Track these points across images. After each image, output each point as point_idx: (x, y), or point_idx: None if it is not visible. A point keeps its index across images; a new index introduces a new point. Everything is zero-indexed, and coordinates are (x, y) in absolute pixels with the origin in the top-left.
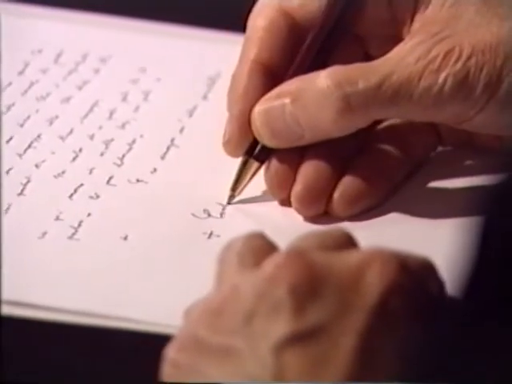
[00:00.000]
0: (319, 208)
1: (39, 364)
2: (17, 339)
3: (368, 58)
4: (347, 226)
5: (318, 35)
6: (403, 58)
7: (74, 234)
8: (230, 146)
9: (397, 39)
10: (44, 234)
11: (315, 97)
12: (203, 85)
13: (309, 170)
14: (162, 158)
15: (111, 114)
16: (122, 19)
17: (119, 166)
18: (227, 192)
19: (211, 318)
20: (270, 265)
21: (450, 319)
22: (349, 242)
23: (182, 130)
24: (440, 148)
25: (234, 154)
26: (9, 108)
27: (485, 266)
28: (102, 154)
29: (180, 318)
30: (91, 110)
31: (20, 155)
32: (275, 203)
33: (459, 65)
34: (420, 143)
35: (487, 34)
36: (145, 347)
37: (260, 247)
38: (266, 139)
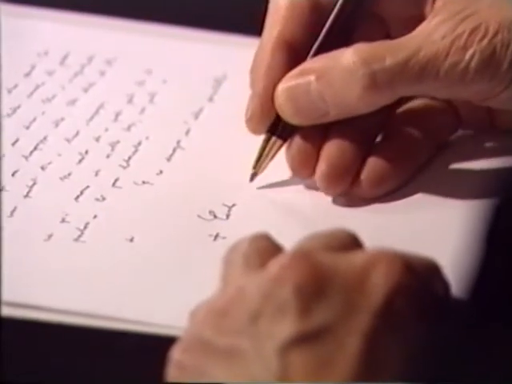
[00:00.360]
0: (344, 186)
1: (44, 366)
2: (22, 341)
3: (390, 39)
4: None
5: (339, 14)
6: (429, 35)
7: (79, 236)
8: (252, 123)
9: (418, 20)
10: (50, 236)
11: (341, 74)
12: (209, 87)
13: (333, 149)
14: (168, 159)
15: (117, 116)
16: (127, 21)
17: (125, 168)
18: (249, 171)
19: (216, 318)
20: (275, 265)
21: (455, 320)
22: (354, 243)
23: (187, 132)
24: (460, 131)
25: (256, 131)
26: (15, 110)
27: (491, 265)
28: (107, 156)
29: (186, 320)
30: (97, 112)
31: (26, 157)
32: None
33: (485, 42)
34: (441, 125)
35: (510, 12)
36: (150, 349)
37: (265, 248)
38: (289, 116)
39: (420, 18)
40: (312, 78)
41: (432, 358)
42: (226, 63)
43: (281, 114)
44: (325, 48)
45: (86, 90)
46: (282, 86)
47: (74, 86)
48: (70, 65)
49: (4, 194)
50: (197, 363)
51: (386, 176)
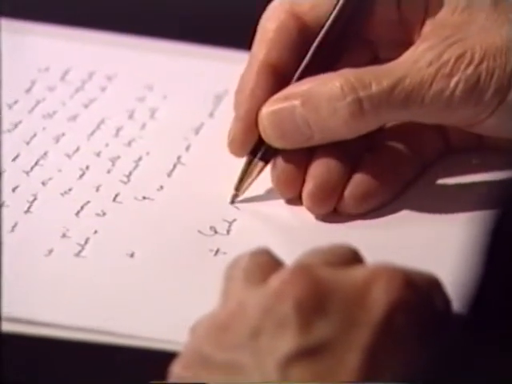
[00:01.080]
0: (330, 206)
1: (43, 381)
2: (22, 356)
3: (378, 61)
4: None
5: (326, 37)
6: (415, 62)
7: (80, 251)
8: (234, 146)
9: (407, 43)
10: (50, 251)
11: (327, 99)
12: (209, 103)
13: (319, 169)
14: (169, 175)
15: (118, 131)
16: (128, 37)
17: (126, 183)
18: (231, 192)
19: (217, 334)
20: (275, 281)
21: (455, 335)
22: (354, 258)
23: (188, 148)
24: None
25: (238, 154)
26: (15, 126)
27: (491, 280)
28: (108, 172)
29: (186, 335)
30: (98, 127)
31: (27, 173)
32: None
33: (471, 69)
34: (429, 143)
35: (498, 39)
36: (151, 364)
37: (266, 263)
38: (273, 140)
39: (409, 42)
40: (297, 102)
41: (432, 373)
42: (227, 79)
43: (264, 137)
44: (310, 71)
45: (86, 106)
46: (266, 110)
47: (75, 102)
48: (71, 80)
49: (5, 209)
50: (197, 378)
51: (370, 192)
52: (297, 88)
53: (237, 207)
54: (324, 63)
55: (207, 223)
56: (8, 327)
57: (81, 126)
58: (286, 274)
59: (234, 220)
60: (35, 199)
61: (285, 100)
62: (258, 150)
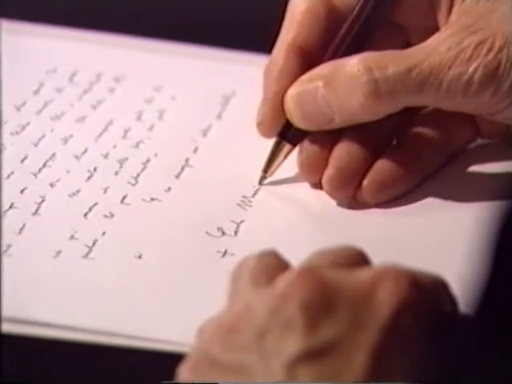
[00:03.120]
0: (350, 192)
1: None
2: (29, 358)
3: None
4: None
5: (355, 21)
6: (435, 47)
7: (88, 253)
8: (262, 128)
9: (436, 30)
10: (59, 253)
11: (345, 80)
12: (217, 104)
13: (342, 154)
14: (177, 176)
15: (126, 133)
16: (136, 39)
17: (133, 185)
18: (258, 174)
19: (224, 335)
20: (282, 282)
21: (462, 336)
22: (361, 259)
23: (196, 150)
24: (478, 140)
25: (266, 135)
26: (24, 127)
27: (499, 281)
28: (116, 173)
29: (194, 337)
30: (106, 129)
31: (35, 174)
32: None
33: (491, 56)
34: (458, 133)
35: None
36: (158, 366)
37: (273, 265)
38: (297, 121)
39: (438, 29)
40: (319, 83)
41: (439, 374)
42: (235, 81)
43: (289, 118)
44: (338, 54)
45: (94, 107)
46: (291, 91)
47: (83, 104)
48: (79, 82)
49: (13, 211)
50: (205, 379)
51: (389, 182)
52: (320, 70)
53: (244, 208)
54: (353, 47)
55: (215, 224)
56: (16, 329)
57: (89, 128)
58: (293, 276)
59: (242, 221)
60: (43, 201)
61: (308, 82)
62: (286, 132)
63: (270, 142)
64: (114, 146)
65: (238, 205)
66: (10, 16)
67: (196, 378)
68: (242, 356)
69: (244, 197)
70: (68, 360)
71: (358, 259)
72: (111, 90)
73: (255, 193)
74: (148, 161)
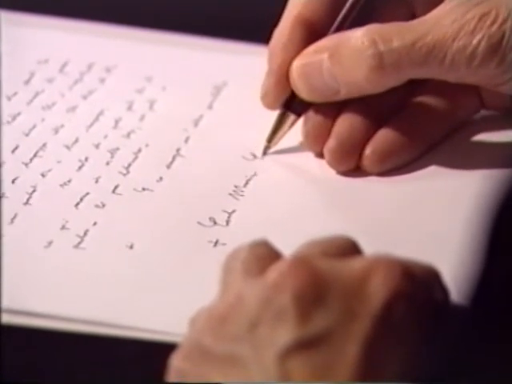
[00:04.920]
0: (351, 163)
1: (43, 373)
2: (22, 348)
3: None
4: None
5: None
6: (439, 19)
7: (79, 243)
8: (267, 99)
9: (441, 1)
10: (50, 243)
11: (350, 53)
12: (209, 94)
13: (343, 125)
14: (168, 166)
15: (117, 123)
16: (127, 29)
17: (125, 174)
18: (263, 144)
19: (216, 325)
20: (274, 272)
21: (455, 326)
22: (353, 249)
23: (187, 140)
24: (482, 111)
25: (271, 107)
26: (14, 117)
27: (493, 270)
28: (107, 163)
29: (186, 327)
30: (97, 119)
31: (26, 164)
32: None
33: (494, 28)
34: (462, 104)
35: None
36: (150, 356)
37: (264, 255)
38: (302, 93)
39: (441, 0)
40: (325, 55)
41: (431, 363)
42: (226, 70)
43: (295, 90)
44: (344, 27)
45: (85, 98)
46: (296, 63)
47: (74, 94)
48: (70, 72)
49: (4, 200)
50: (197, 370)
51: (391, 151)
52: (325, 42)
53: (236, 198)
54: (359, 19)
55: (206, 214)
56: (8, 319)
57: (80, 118)
58: (284, 266)
59: (234, 211)
60: (34, 191)
61: (314, 54)
62: (291, 104)
63: (263, 131)
64: (105, 136)
65: (230, 194)
66: (1, 6)
67: (188, 368)
68: (234, 346)
69: (236, 186)
70: (58, 350)
71: (350, 249)
72: (102, 80)
73: (247, 182)
74: (139, 151)
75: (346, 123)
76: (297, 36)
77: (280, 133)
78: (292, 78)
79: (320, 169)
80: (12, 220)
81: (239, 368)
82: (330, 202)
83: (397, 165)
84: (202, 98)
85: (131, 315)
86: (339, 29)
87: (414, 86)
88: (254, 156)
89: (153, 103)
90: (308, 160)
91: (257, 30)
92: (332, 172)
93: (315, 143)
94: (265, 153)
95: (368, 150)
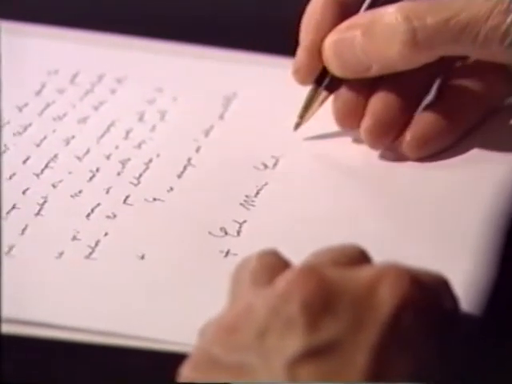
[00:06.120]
0: (388, 141)
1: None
2: (32, 359)
3: None
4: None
5: None
6: None
7: (91, 253)
8: (299, 74)
9: None
10: (61, 253)
11: (383, 29)
12: (219, 105)
13: (379, 104)
14: (179, 176)
15: (128, 133)
16: (137, 39)
17: (136, 185)
18: (295, 120)
19: (225, 335)
20: (282, 281)
21: (464, 335)
22: (362, 258)
23: (198, 150)
24: None
25: (302, 82)
26: (25, 128)
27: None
28: (118, 174)
29: (196, 337)
30: (108, 129)
31: (37, 175)
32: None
33: None
34: (497, 86)
35: None
36: (160, 366)
37: (273, 265)
38: (335, 69)
39: None
40: (357, 32)
41: (440, 372)
42: (237, 81)
43: (327, 66)
44: (376, 4)
45: (96, 108)
46: (329, 39)
47: (85, 104)
48: (81, 83)
49: (15, 211)
50: (206, 380)
51: (432, 135)
52: (358, 19)
53: (247, 208)
54: None
55: (217, 224)
56: (18, 330)
57: (91, 129)
58: (293, 275)
59: (245, 221)
60: (45, 202)
61: (347, 30)
62: (322, 80)
63: (274, 141)
64: (116, 147)
65: (241, 204)
66: (12, 17)
67: (198, 378)
68: (243, 355)
69: (247, 196)
70: (70, 361)
71: (359, 257)
72: (113, 91)
73: (258, 192)
74: (150, 161)
75: (380, 101)
76: (329, 12)
77: (311, 109)
78: (325, 54)
79: (330, 179)
80: (23, 231)
81: (249, 377)
82: (339, 212)
83: (435, 150)
84: (212, 108)
85: (142, 325)
86: (371, 6)
87: (446, 66)
88: (265, 166)
89: (164, 114)
90: (318, 170)
91: (268, 41)
92: (342, 181)
93: (346, 120)
94: (296, 128)
95: (408, 136)
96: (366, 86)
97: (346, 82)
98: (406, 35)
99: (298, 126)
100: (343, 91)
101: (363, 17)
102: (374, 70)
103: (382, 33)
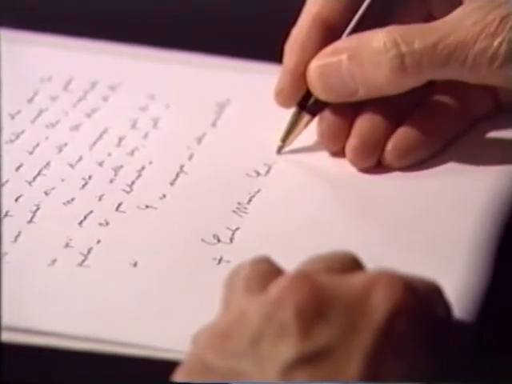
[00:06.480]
0: (373, 160)
1: None
2: (24, 366)
3: (432, 20)
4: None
5: None
6: (461, 21)
7: (83, 260)
8: (281, 97)
9: (459, 3)
10: (54, 261)
11: (371, 54)
12: (212, 112)
13: (364, 124)
14: (172, 184)
15: (120, 140)
16: (130, 47)
17: (128, 192)
18: (277, 143)
19: (218, 342)
20: (275, 288)
21: (457, 342)
22: (354, 265)
23: (191, 157)
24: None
25: (284, 105)
26: (18, 136)
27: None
28: (111, 181)
29: (189, 344)
30: (100, 137)
31: (29, 182)
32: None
33: None
34: (477, 104)
35: None
36: (153, 373)
37: (266, 272)
38: (320, 93)
39: (461, 2)
40: (344, 56)
41: (433, 378)
42: (229, 88)
43: (312, 90)
44: (361, 28)
45: (89, 116)
46: (314, 64)
47: (78, 112)
48: (74, 90)
49: (8, 219)
50: None
51: (412, 146)
52: (344, 43)
53: (240, 215)
54: (376, 20)
55: (210, 231)
56: (11, 337)
57: (83, 136)
58: (286, 281)
59: (237, 228)
60: (38, 209)
61: (332, 54)
62: (305, 103)
63: (266, 148)
64: (109, 154)
65: (234, 212)
66: (5, 24)
67: None
68: (236, 362)
69: (239, 203)
70: (62, 368)
71: (352, 264)
72: (105, 98)
73: (250, 199)
74: (143, 168)
75: (366, 122)
76: (314, 36)
77: (295, 132)
78: (309, 78)
79: (322, 187)
80: (16, 238)
81: None
82: (332, 220)
83: (416, 160)
84: (205, 115)
85: (134, 333)
86: (355, 30)
87: (432, 84)
88: (258, 173)
89: (156, 121)
90: (310, 178)
91: (260, 48)
92: (333, 190)
93: (332, 142)
94: (279, 152)
95: (390, 146)
96: (350, 108)
97: (330, 105)
98: (394, 60)
99: (280, 149)
100: (327, 114)
101: (349, 41)
102: (360, 95)
103: (369, 58)
